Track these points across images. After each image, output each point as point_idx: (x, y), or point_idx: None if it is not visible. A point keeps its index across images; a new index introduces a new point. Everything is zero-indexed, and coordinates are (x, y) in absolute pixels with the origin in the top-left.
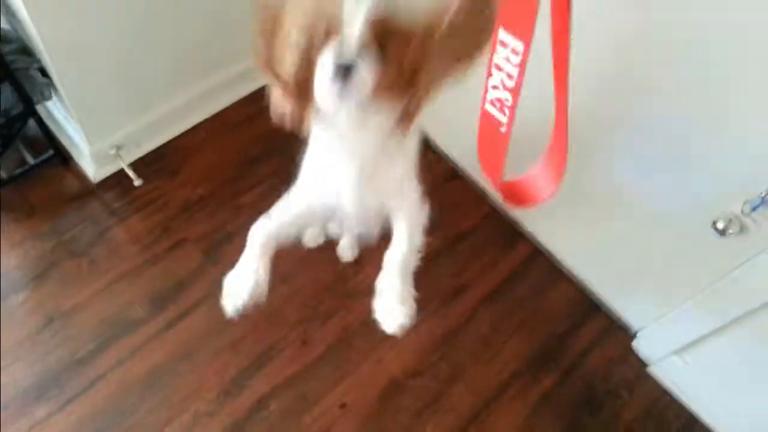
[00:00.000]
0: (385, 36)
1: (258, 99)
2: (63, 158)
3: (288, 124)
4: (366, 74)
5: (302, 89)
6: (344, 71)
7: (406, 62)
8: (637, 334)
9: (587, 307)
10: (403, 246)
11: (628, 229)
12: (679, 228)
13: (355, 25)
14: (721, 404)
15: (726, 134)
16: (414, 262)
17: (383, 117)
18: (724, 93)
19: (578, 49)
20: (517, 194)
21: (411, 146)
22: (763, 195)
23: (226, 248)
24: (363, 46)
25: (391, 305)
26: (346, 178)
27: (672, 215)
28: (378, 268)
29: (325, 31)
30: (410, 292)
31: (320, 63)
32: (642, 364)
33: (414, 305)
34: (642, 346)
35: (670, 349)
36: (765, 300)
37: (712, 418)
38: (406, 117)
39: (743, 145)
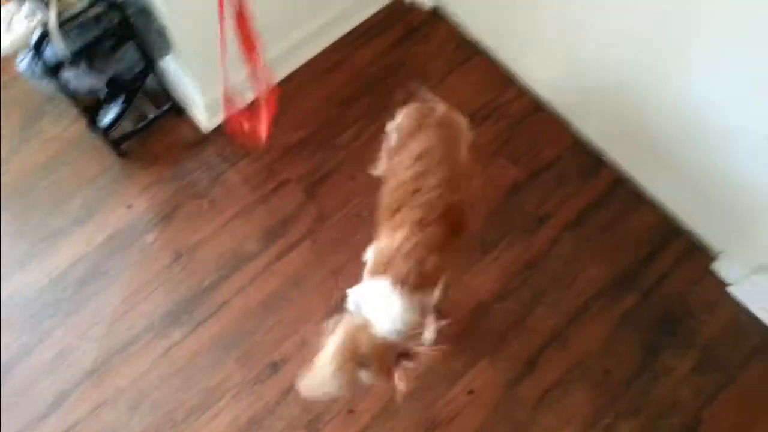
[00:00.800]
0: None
1: (344, 45)
2: (178, 110)
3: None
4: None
5: None
6: None
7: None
8: (719, 256)
9: (669, 231)
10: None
11: (710, 152)
12: (758, 147)
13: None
14: None
15: None
16: None
17: None
18: None
19: None
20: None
21: None
22: None
23: (323, 187)
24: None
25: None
26: None
27: (751, 136)
28: None
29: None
30: None
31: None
32: (722, 285)
33: None
34: (723, 266)
35: (752, 267)
36: None
37: None
38: None
39: None
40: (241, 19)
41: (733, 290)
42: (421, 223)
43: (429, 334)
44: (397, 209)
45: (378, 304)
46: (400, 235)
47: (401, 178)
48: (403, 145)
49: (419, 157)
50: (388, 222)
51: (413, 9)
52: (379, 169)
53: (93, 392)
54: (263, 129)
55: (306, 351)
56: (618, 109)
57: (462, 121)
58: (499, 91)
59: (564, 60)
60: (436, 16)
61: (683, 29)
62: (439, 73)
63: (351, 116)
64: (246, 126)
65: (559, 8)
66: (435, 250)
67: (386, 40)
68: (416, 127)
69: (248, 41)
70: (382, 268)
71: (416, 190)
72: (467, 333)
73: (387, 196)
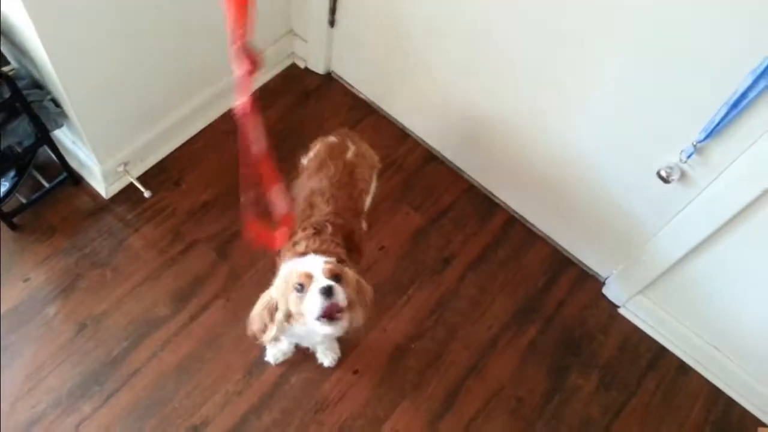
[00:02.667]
0: (335, 275)
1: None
2: (75, 179)
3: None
4: (338, 290)
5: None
6: (328, 290)
7: (349, 290)
8: (606, 281)
9: (560, 262)
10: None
11: (587, 189)
12: (629, 182)
13: (318, 274)
14: (681, 332)
15: (658, 92)
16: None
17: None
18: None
19: None
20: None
21: None
22: (694, 143)
23: (234, 244)
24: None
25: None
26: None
27: (621, 171)
28: None
29: (306, 279)
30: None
31: (312, 292)
32: (613, 307)
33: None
34: (611, 290)
35: (635, 289)
36: (707, 234)
37: (676, 346)
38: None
39: (672, 98)
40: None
41: (623, 311)
42: (314, 236)
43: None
44: (293, 233)
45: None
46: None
47: (300, 202)
48: (309, 175)
49: (319, 183)
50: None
51: (308, 74)
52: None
53: None
54: (279, 242)
55: (229, 409)
56: (498, 152)
57: (374, 160)
58: (394, 146)
59: (443, 113)
60: (329, 79)
61: (557, 78)
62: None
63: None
64: (261, 234)
65: (430, 69)
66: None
67: (284, 104)
68: (323, 159)
69: (270, 174)
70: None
71: (310, 211)
72: (387, 376)
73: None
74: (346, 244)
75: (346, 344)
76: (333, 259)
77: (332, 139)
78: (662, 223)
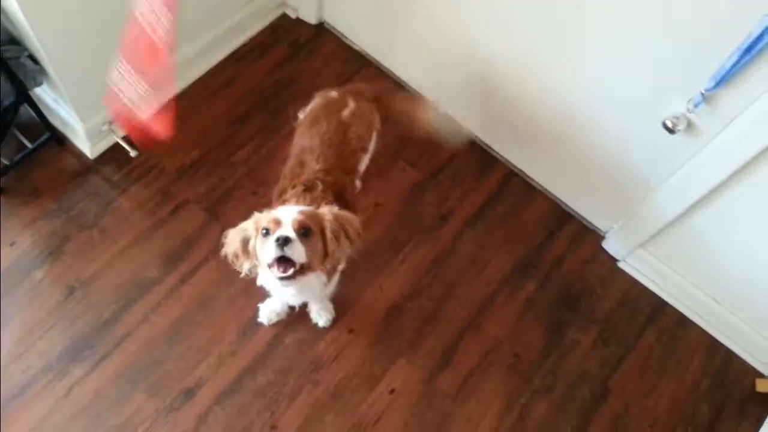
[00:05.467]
0: (304, 228)
1: (233, 62)
2: (58, 139)
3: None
4: (297, 245)
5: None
6: (284, 240)
7: (318, 245)
8: (606, 235)
9: (560, 217)
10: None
11: (587, 139)
12: (633, 134)
13: (287, 223)
14: (682, 286)
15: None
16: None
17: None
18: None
19: None
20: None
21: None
22: (702, 92)
23: (225, 204)
24: (293, 231)
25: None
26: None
27: (624, 122)
28: None
29: (273, 225)
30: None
31: (270, 240)
32: (613, 261)
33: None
34: (611, 244)
35: (636, 243)
36: (712, 186)
37: (676, 300)
38: (329, 273)
39: (680, 43)
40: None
41: (623, 265)
42: (304, 193)
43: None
44: (284, 190)
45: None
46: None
47: (291, 158)
48: (302, 131)
49: (310, 140)
50: (277, 201)
51: (299, 25)
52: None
53: None
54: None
55: (223, 371)
56: (499, 104)
57: (374, 119)
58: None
59: (443, 61)
60: (322, 30)
61: (561, 24)
62: (330, 86)
63: (246, 133)
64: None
65: (431, 11)
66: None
67: (275, 57)
68: (317, 116)
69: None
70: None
71: (300, 169)
72: (383, 335)
73: (281, 180)
74: (338, 203)
75: (341, 304)
76: (311, 208)
77: (333, 94)
78: (666, 176)
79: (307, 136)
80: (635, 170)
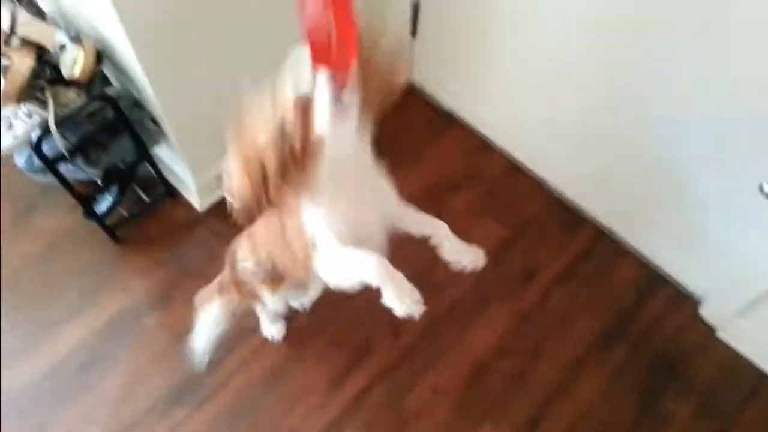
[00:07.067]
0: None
1: None
2: (172, 193)
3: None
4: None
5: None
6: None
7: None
8: (703, 301)
9: (653, 280)
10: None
11: (684, 202)
12: (728, 195)
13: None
14: None
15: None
16: None
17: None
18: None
19: None
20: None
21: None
22: None
23: None
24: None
25: (462, 248)
26: (364, 201)
27: (722, 183)
28: None
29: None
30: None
31: (319, 97)
32: (710, 330)
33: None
34: (708, 311)
35: (735, 311)
36: None
37: None
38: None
39: None
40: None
41: (722, 335)
42: None
43: None
44: None
45: None
46: None
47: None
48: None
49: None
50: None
51: None
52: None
53: None
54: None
55: (313, 421)
56: (592, 164)
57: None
58: (476, 157)
59: (531, 120)
60: (411, 92)
61: (660, 79)
62: (417, 145)
63: None
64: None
65: (522, 71)
66: None
67: None
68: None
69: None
70: None
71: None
72: (467, 395)
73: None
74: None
75: (423, 360)
76: None
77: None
78: (766, 241)
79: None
80: (734, 235)
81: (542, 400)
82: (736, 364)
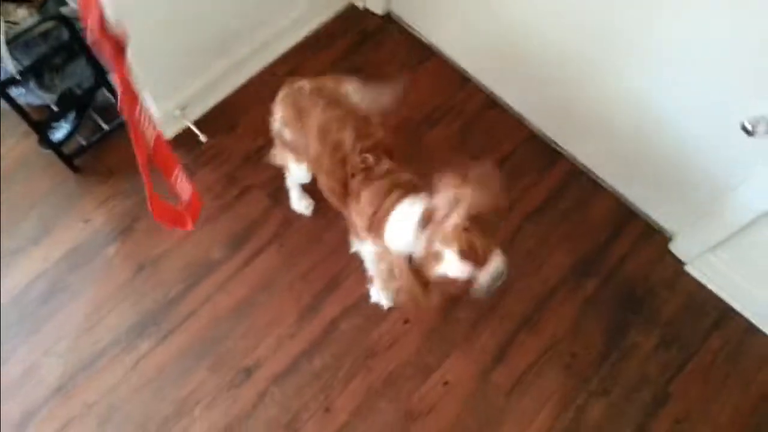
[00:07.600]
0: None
1: (297, 54)
2: None
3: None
4: None
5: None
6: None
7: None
8: (673, 237)
9: (625, 216)
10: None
11: (660, 139)
12: (708, 132)
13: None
14: (753, 294)
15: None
16: None
17: None
18: None
19: None
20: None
21: None
22: None
23: (287, 191)
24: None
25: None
26: None
27: (700, 121)
28: None
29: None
30: None
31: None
32: (679, 264)
33: None
34: (678, 247)
35: (705, 247)
36: None
37: (745, 307)
38: None
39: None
40: (159, 142)
41: (690, 269)
42: (366, 180)
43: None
44: (344, 184)
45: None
46: (364, 194)
47: (321, 161)
48: (296, 132)
49: (320, 134)
50: (342, 198)
51: (366, 15)
52: (276, 158)
53: (61, 410)
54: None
55: (281, 352)
56: (570, 101)
57: (333, 84)
58: (453, 91)
59: (510, 55)
60: (389, 21)
61: (638, 17)
62: (395, 78)
63: None
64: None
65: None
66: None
67: (341, 47)
68: (296, 112)
69: (168, 162)
70: (375, 223)
71: (342, 160)
72: (438, 327)
73: (325, 182)
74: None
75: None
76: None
77: (287, 92)
78: (741, 179)
79: (311, 117)
80: (708, 172)
81: (511, 332)
82: (701, 298)
